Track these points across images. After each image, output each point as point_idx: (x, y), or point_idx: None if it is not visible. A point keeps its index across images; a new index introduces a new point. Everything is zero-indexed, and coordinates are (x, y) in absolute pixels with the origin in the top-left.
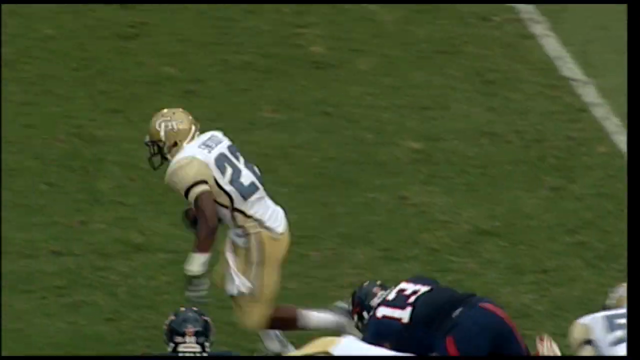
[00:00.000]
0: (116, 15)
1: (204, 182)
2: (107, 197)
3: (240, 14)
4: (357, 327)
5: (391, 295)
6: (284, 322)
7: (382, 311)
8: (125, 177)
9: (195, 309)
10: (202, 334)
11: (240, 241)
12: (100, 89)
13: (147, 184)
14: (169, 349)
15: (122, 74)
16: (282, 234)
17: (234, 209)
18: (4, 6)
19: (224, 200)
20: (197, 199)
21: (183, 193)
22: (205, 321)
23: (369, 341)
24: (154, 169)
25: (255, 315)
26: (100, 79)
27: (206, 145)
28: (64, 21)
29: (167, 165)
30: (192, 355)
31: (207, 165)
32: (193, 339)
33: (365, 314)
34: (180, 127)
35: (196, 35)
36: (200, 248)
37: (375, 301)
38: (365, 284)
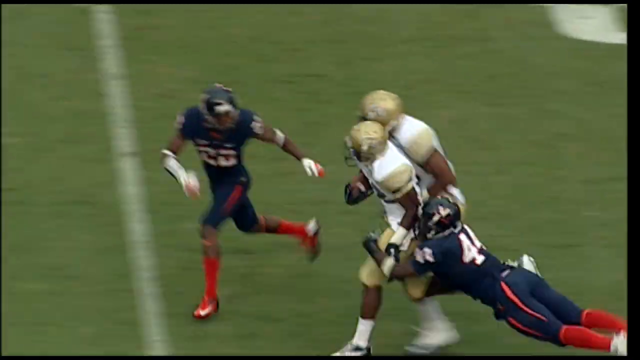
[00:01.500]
0: None
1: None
2: None
3: None
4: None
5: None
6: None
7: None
8: None
9: None
10: None
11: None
12: None
13: None
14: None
15: None
16: None
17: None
18: None
19: None
20: (408, 193)
21: (396, 188)
22: None
23: None
24: (348, 165)
25: None
26: None
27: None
28: None
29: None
30: None
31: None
32: None
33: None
34: (382, 143)
35: None
36: (409, 227)
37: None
38: None
